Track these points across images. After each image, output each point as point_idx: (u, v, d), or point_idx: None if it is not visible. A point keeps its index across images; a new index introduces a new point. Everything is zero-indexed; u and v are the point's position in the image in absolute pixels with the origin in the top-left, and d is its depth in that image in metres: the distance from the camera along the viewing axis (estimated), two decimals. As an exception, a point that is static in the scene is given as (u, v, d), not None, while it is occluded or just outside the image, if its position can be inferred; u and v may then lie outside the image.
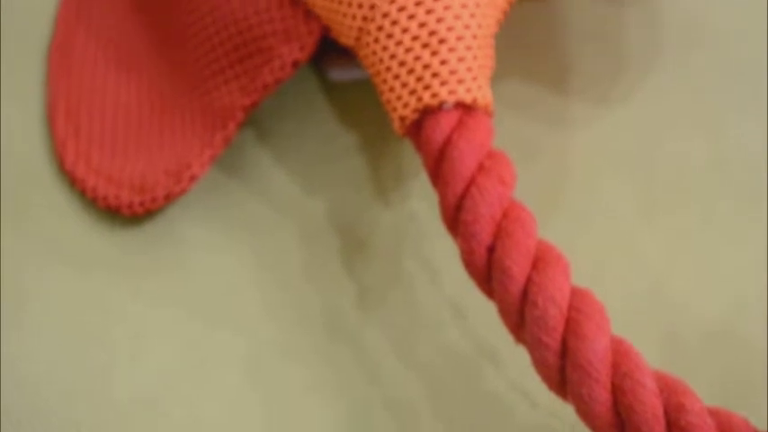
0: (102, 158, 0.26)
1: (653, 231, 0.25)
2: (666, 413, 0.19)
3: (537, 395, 0.23)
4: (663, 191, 0.25)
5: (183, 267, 0.25)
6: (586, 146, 0.26)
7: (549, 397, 0.21)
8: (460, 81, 0.21)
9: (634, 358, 0.19)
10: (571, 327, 0.19)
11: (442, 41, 0.22)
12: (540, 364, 0.20)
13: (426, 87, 0.22)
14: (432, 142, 0.21)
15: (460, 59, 0.22)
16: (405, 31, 0.22)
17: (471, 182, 0.21)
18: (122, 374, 0.23)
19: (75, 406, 0.23)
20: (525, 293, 0.20)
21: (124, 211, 0.25)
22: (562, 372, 0.20)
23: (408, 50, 0.22)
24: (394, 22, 0.22)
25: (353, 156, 0.26)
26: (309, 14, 0.24)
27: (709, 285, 0.24)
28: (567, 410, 0.20)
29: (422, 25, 0.22)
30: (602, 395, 0.19)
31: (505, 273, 0.20)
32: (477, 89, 0.22)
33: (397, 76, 0.22)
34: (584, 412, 0.19)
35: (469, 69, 0.22)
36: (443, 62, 0.22)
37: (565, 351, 0.19)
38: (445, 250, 0.23)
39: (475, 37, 0.22)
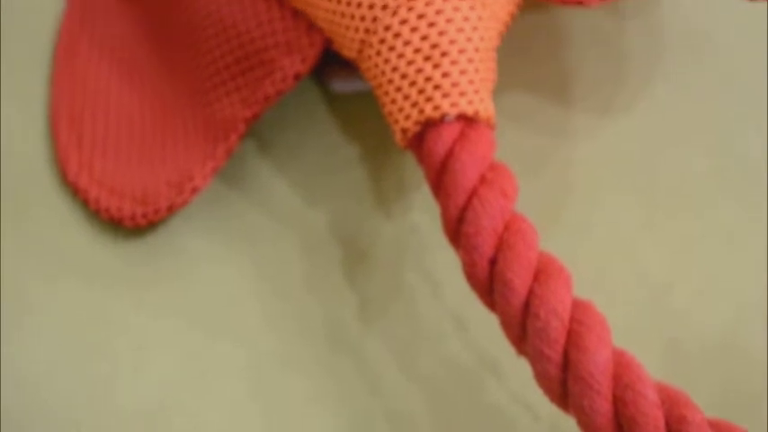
0: (105, 169, 0.26)
1: (654, 242, 0.25)
2: (668, 425, 0.19)
3: (539, 407, 0.23)
4: (664, 201, 0.25)
5: (185, 278, 0.25)
6: (588, 157, 0.26)
7: (550, 409, 0.21)
8: (462, 93, 0.22)
9: (636, 370, 0.19)
10: (573, 339, 0.19)
11: (444, 54, 0.22)
12: (541, 377, 0.20)
13: (428, 100, 0.22)
14: (434, 154, 0.21)
15: (462, 72, 0.22)
16: (407, 43, 0.22)
17: (473, 194, 0.21)
18: (125, 385, 0.23)
19: (78, 417, 0.23)
20: (527, 306, 0.20)
21: (126, 223, 0.25)
22: (564, 384, 0.20)
23: (410, 63, 0.22)
24: (396, 35, 0.22)
25: (355, 167, 0.26)
26: (311, 27, 0.24)
27: (711, 296, 0.24)
28: (568, 423, 0.20)
29: (424, 38, 0.22)
30: (603, 407, 0.19)
31: (507, 285, 0.20)
32: (479, 101, 0.22)
33: (399, 89, 0.22)
34: (586, 424, 0.19)
35: (471, 82, 0.22)
36: (445, 75, 0.22)
37: (566, 363, 0.19)
38: (447, 262, 0.23)
39: (477, 50, 0.22)
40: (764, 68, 0.27)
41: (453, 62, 0.22)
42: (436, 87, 0.22)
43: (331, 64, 0.26)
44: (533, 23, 0.28)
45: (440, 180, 0.21)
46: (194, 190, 0.24)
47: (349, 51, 0.23)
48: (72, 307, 0.24)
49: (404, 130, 0.22)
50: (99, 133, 0.27)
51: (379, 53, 0.22)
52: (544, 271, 0.20)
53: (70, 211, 0.26)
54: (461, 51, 0.22)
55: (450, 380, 0.23)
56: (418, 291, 0.24)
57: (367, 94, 0.25)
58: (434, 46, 0.22)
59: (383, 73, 0.22)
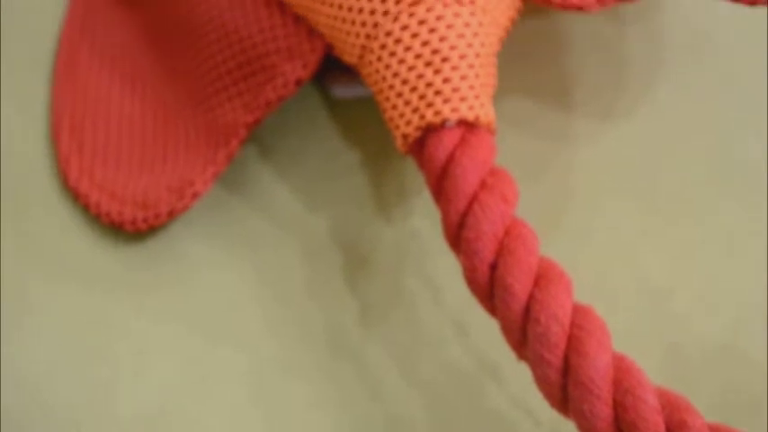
0: (106, 174, 0.26)
1: (655, 247, 0.25)
2: (668, 430, 0.19)
3: (539, 412, 0.22)
4: (665, 206, 0.25)
5: (186, 283, 0.25)
6: (588, 162, 0.26)
7: (551, 414, 0.21)
8: (463, 99, 0.22)
9: (636, 374, 0.19)
10: (573, 344, 0.19)
11: (444, 60, 0.22)
12: (542, 381, 0.20)
13: (429, 105, 0.22)
14: (434, 160, 0.21)
15: (463, 77, 0.22)
16: (408, 49, 0.22)
17: (474, 199, 0.21)
18: (125, 390, 0.23)
19: (78, 422, 0.23)
20: (527, 311, 0.20)
21: (127, 228, 0.25)
22: (564, 389, 0.20)
23: (411, 69, 0.22)
24: (397, 41, 0.22)
25: (356, 173, 0.26)
26: (312, 32, 0.24)
27: (712, 301, 0.24)
28: (569, 427, 0.20)
29: (425, 44, 0.22)
30: (603, 412, 0.19)
31: (508, 290, 0.20)
32: (480, 107, 0.22)
33: (399, 94, 0.22)
34: (587, 429, 0.19)
35: (472, 87, 0.22)
36: (446, 80, 0.22)
37: (567, 368, 0.19)
38: (447, 267, 0.23)
39: (477, 55, 0.22)
40: (765, 74, 0.27)
41: (454, 68, 0.22)
42: (437, 93, 0.22)
43: (332, 69, 0.26)
44: (534, 29, 0.28)
45: (440, 185, 0.21)
46: (195, 195, 0.24)
47: (350, 57, 0.23)
48: (72, 310, 0.24)
49: (405, 136, 0.22)
50: (100, 141, 0.27)
51: (380, 59, 0.22)
52: (545, 276, 0.20)
53: (71, 214, 0.26)
54: (462, 57, 0.22)
55: (450, 385, 0.23)
56: (419, 296, 0.24)
57: (368, 100, 0.25)
58: (435, 52, 0.22)
59: (384, 78, 0.22)
